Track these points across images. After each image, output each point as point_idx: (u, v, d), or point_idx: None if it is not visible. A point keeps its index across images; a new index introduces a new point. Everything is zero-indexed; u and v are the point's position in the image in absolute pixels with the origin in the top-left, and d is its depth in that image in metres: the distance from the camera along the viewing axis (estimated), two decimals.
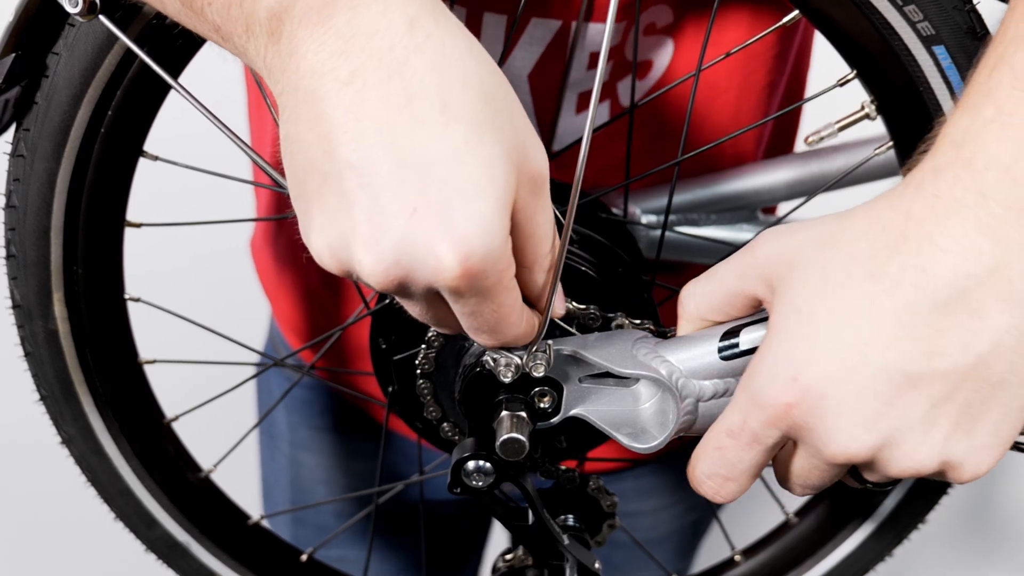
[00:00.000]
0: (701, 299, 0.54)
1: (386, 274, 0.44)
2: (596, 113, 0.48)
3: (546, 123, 0.75)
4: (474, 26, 0.69)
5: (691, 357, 0.53)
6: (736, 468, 0.50)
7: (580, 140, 0.50)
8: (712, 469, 0.51)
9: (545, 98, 0.74)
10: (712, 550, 0.98)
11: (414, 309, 0.50)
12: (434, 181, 0.42)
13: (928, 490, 0.72)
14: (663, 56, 0.74)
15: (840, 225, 0.47)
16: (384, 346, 0.65)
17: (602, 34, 0.69)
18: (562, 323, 0.58)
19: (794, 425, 0.47)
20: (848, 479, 0.52)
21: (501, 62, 0.71)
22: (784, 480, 0.52)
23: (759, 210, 0.79)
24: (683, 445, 0.55)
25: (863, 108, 0.60)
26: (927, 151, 0.46)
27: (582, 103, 0.75)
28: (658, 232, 0.75)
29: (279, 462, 1.06)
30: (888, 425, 0.45)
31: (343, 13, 0.42)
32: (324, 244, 0.45)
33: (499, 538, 1.29)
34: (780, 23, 0.60)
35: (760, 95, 0.78)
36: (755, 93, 0.78)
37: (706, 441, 0.52)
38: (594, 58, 0.72)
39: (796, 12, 0.58)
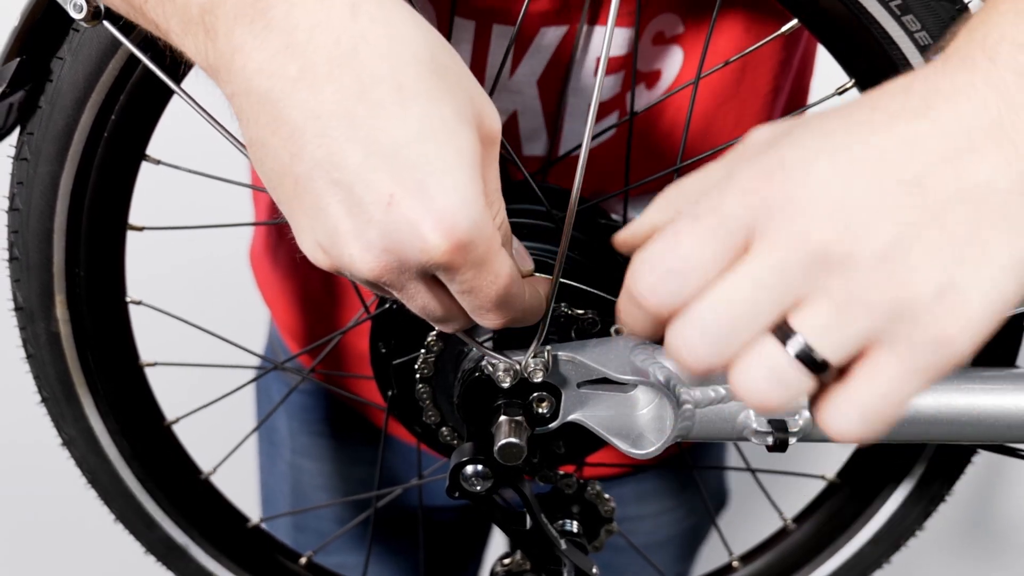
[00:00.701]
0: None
1: (377, 262, 0.44)
2: (595, 120, 0.48)
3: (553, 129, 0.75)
4: (483, 38, 0.69)
5: None
6: (688, 261, 0.42)
7: (580, 146, 0.50)
8: (659, 259, 0.42)
9: (553, 104, 0.74)
10: (710, 556, 0.98)
11: (414, 302, 0.49)
12: (405, 165, 0.42)
13: (926, 496, 0.72)
14: (672, 65, 0.74)
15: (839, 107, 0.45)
16: (384, 350, 0.65)
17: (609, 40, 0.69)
18: (559, 331, 0.58)
19: (768, 198, 0.41)
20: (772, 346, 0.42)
21: (510, 73, 0.71)
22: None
23: None
24: (683, 450, 0.55)
25: None
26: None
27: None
28: None
29: (280, 468, 1.06)
30: (894, 223, 0.40)
31: (279, 5, 0.42)
32: (313, 243, 0.45)
33: (498, 542, 1.29)
34: (779, 32, 0.60)
35: (763, 103, 0.78)
36: (759, 101, 0.78)
37: (659, 235, 0.43)
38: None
39: (795, 21, 0.58)
